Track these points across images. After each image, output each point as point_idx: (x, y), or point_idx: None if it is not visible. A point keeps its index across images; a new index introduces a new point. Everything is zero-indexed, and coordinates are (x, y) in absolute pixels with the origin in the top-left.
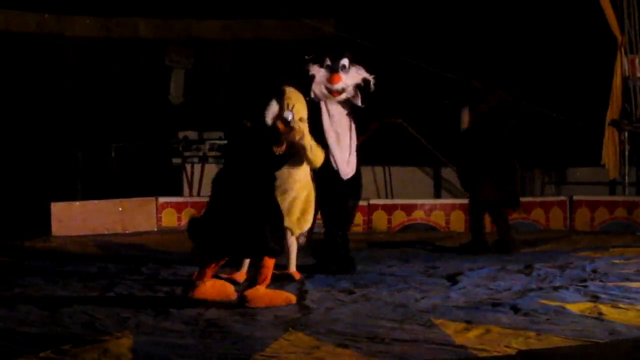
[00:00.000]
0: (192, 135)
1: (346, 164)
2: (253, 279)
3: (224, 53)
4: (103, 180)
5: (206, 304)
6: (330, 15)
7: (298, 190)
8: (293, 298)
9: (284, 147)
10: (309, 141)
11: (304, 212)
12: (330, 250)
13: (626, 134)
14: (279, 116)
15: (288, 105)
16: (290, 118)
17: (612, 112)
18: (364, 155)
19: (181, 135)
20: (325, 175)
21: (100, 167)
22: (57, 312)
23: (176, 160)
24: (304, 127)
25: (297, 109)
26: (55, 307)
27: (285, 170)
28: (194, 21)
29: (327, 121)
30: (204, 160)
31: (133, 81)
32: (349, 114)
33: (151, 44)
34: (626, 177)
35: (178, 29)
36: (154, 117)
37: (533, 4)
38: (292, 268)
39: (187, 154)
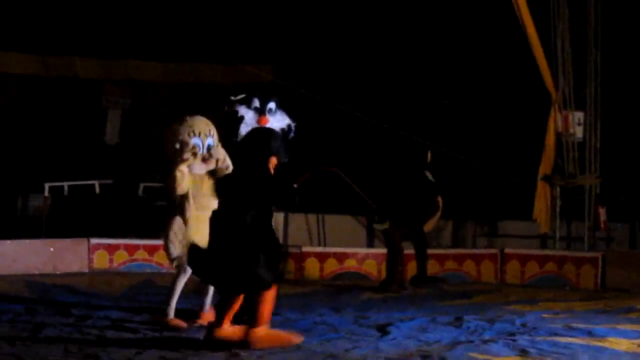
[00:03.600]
0: (127, 176)
1: None
2: (251, 317)
3: (162, 95)
4: (35, 220)
5: (139, 346)
6: (268, 61)
7: None
8: (297, 339)
9: None
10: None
11: None
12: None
13: (558, 189)
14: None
15: (210, 131)
16: (212, 144)
17: (545, 167)
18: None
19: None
20: None
21: (33, 206)
22: None
23: (110, 202)
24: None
25: (215, 134)
26: None
27: (206, 194)
28: (133, 62)
29: None
30: (137, 201)
31: (69, 120)
32: None
33: (88, 84)
34: (557, 232)
35: (116, 70)
36: (89, 158)
37: (471, 58)
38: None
39: (121, 195)
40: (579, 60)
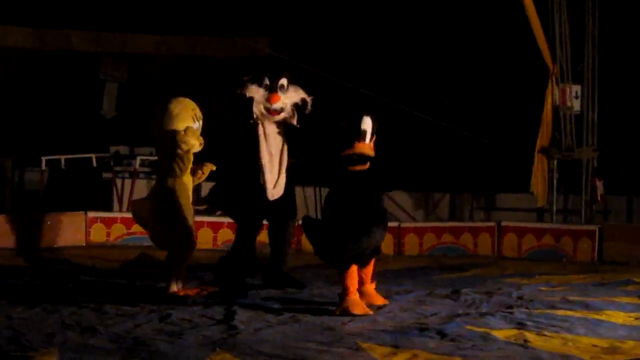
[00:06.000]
0: (124, 150)
1: (273, 186)
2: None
3: (159, 68)
4: (32, 193)
5: (136, 319)
6: (265, 34)
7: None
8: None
9: None
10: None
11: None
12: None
13: (555, 162)
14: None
15: (197, 115)
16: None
17: (542, 140)
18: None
19: (113, 149)
20: (252, 195)
21: (30, 180)
22: None
23: (107, 175)
24: None
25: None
26: None
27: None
28: (129, 35)
29: (263, 142)
30: (134, 175)
31: (66, 94)
32: (283, 135)
33: (85, 57)
34: (554, 205)
35: (113, 43)
36: (85, 131)
37: (467, 30)
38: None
39: (117, 168)
40: (576, 32)
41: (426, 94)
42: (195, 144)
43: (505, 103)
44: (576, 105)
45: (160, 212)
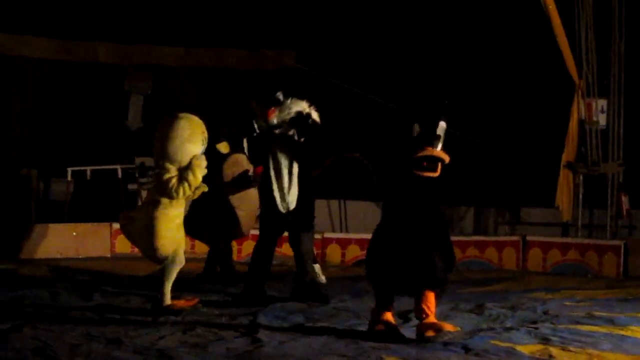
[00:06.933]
0: (149, 161)
1: (283, 199)
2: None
3: (184, 80)
4: (58, 204)
5: (161, 331)
6: (291, 47)
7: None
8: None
9: None
10: None
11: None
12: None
13: (581, 176)
14: None
15: (205, 138)
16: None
17: (568, 154)
18: (319, 189)
19: (138, 161)
20: (265, 208)
21: (56, 191)
22: (8, 337)
23: (132, 186)
24: None
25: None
26: (5, 332)
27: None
28: (155, 47)
29: (269, 156)
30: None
31: (92, 105)
32: (289, 149)
33: (111, 69)
34: (579, 220)
35: (138, 55)
36: (111, 142)
37: (493, 44)
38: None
39: (143, 180)
40: (602, 47)
41: (452, 107)
42: (204, 171)
43: (531, 117)
44: (602, 119)
45: (147, 227)
